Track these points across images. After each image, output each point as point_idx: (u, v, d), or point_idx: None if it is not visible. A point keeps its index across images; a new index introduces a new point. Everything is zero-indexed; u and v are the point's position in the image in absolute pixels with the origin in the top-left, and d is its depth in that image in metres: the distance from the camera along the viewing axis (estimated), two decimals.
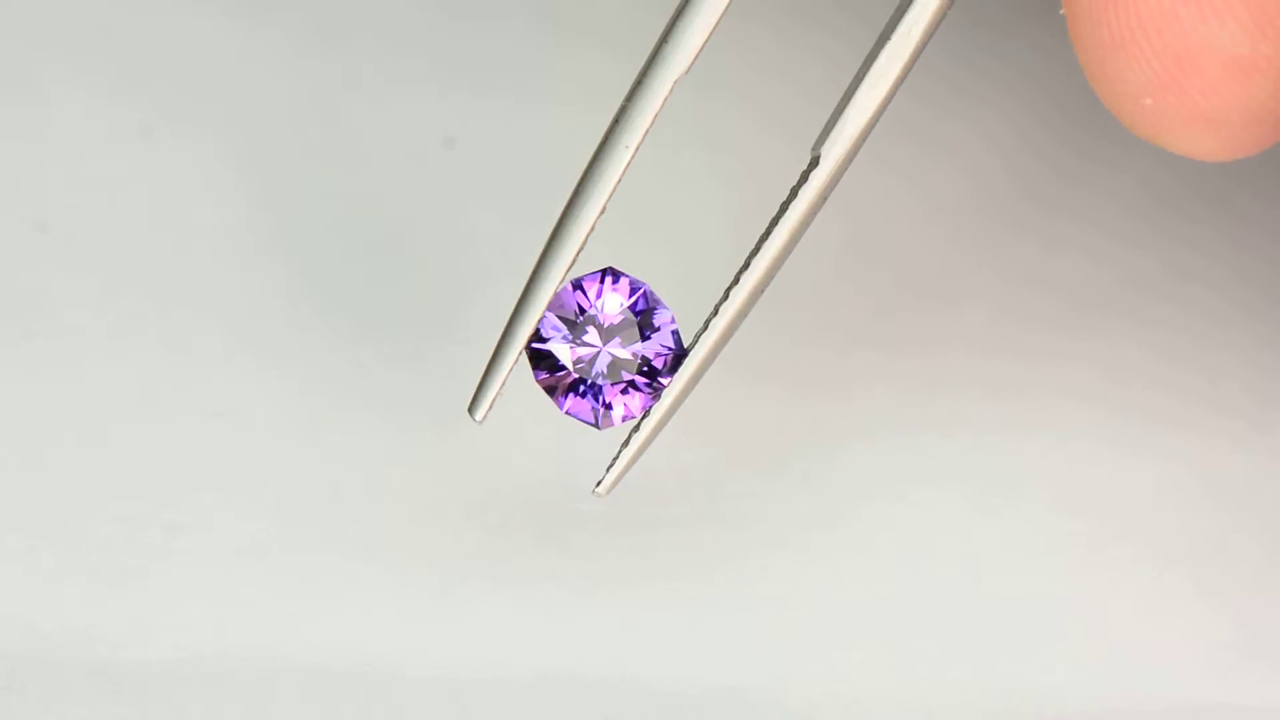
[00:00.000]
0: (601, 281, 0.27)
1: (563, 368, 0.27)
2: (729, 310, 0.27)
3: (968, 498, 0.32)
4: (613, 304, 0.27)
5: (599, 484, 0.27)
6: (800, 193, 0.26)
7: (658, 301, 0.27)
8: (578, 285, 0.27)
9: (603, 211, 0.26)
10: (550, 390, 0.27)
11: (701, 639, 0.31)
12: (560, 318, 0.27)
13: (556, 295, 0.27)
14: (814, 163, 0.26)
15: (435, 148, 0.34)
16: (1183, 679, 0.31)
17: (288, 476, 0.32)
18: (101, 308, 0.33)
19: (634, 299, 0.27)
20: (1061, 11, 0.26)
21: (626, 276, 0.27)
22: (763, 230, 0.27)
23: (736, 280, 0.27)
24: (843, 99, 0.26)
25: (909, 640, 0.31)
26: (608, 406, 0.27)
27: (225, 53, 0.34)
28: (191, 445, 0.32)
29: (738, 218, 0.29)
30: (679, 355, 0.27)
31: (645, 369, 0.27)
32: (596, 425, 0.27)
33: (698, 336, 0.27)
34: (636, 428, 0.27)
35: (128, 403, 0.32)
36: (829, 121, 0.26)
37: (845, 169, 0.26)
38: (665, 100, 0.26)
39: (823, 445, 0.32)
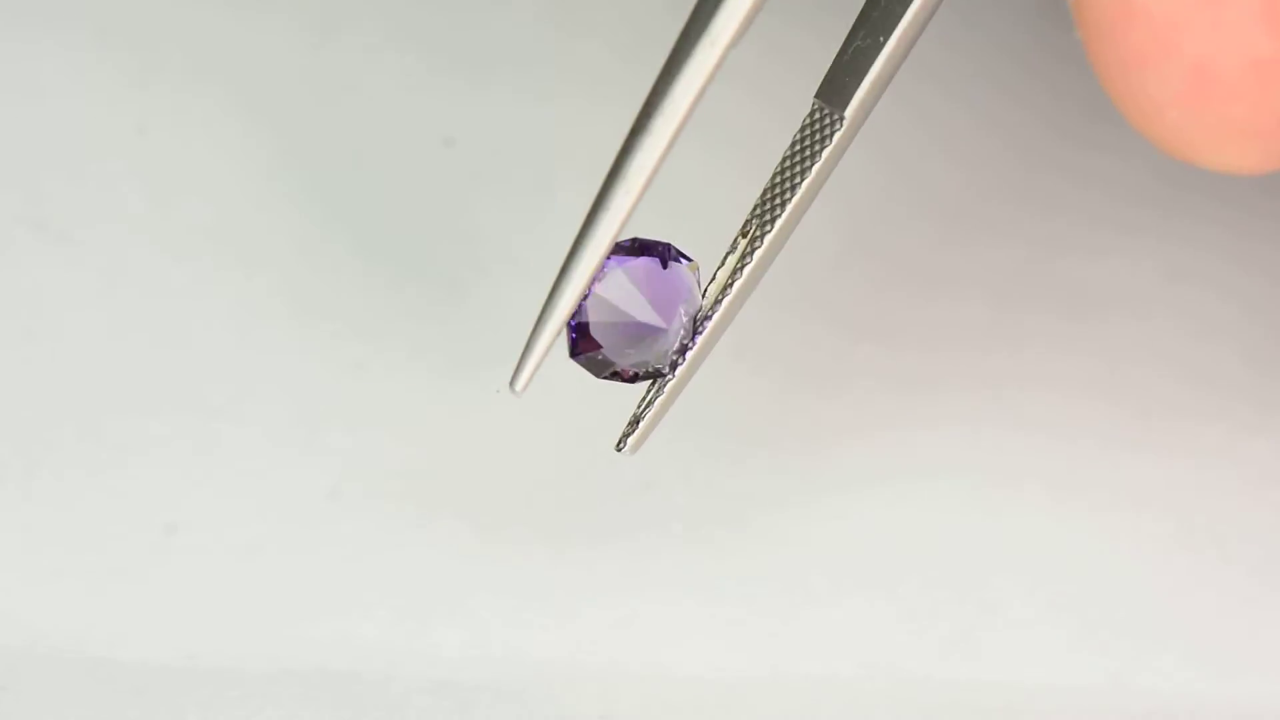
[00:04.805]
0: (630, 252, 0.27)
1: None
2: (755, 265, 0.27)
3: (966, 493, 0.32)
4: (642, 279, 0.27)
5: (622, 443, 0.27)
6: (820, 147, 0.26)
7: (683, 256, 0.27)
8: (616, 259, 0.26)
9: (649, 183, 0.25)
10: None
11: (700, 636, 0.31)
12: (607, 302, 0.26)
13: (601, 276, 0.26)
14: (824, 114, 0.26)
15: (435, 143, 0.34)
16: (1177, 677, 0.30)
17: (288, 476, 0.32)
18: (101, 308, 0.33)
19: (661, 259, 0.27)
20: (1076, 35, 0.26)
21: (646, 241, 0.27)
22: (770, 184, 0.26)
23: (760, 238, 0.27)
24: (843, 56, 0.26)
25: (909, 638, 0.31)
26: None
27: (223, 50, 0.35)
28: (191, 445, 0.32)
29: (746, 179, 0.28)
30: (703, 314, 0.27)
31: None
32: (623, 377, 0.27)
33: (728, 279, 0.27)
34: (660, 389, 0.27)
35: (127, 402, 0.32)
36: (830, 71, 0.26)
37: (867, 114, 0.26)
38: (719, 64, 0.25)
39: (823, 442, 0.32)
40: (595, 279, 0.26)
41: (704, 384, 0.28)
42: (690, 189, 0.33)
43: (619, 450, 0.27)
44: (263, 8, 0.35)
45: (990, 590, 0.31)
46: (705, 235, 0.27)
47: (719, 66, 0.24)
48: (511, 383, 0.26)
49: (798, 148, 0.27)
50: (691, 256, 0.27)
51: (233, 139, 0.34)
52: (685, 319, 0.27)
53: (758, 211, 0.27)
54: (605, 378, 0.27)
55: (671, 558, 0.31)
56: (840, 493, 0.32)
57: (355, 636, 0.31)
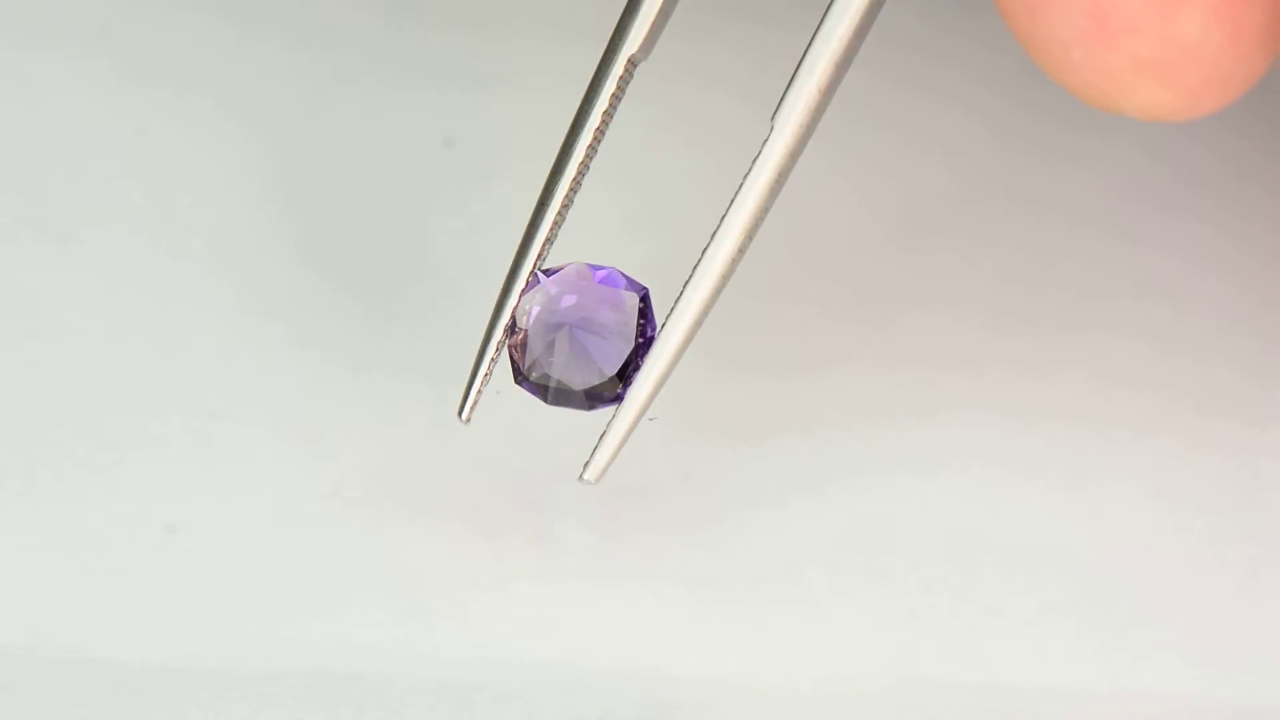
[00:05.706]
0: (571, 275, 0.27)
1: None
2: (705, 277, 0.27)
3: (965, 493, 0.32)
4: (580, 290, 0.27)
5: (584, 472, 0.27)
6: (757, 164, 0.26)
7: (628, 281, 0.27)
8: (545, 276, 0.27)
9: (566, 205, 0.26)
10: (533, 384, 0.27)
11: (699, 635, 0.31)
12: (535, 313, 0.27)
13: (529, 291, 0.27)
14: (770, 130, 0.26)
15: (435, 143, 0.34)
16: (1177, 677, 0.30)
17: (288, 476, 0.32)
18: (101, 308, 0.33)
19: (603, 281, 0.27)
20: None
21: (592, 266, 0.27)
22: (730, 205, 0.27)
23: (704, 257, 0.27)
24: (795, 69, 0.26)
25: (909, 636, 0.31)
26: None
27: (223, 51, 0.35)
28: (191, 445, 0.32)
29: (709, 194, 0.29)
30: (652, 337, 0.27)
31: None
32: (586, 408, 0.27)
33: (673, 308, 0.27)
34: (616, 414, 0.27)
35: (127, 403, 0.32)
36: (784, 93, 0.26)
37: (806, 136, 0.26)
38: (620, 81, 0.26)
39: (821, 440, 0.32)
40: (529, 300, 0.27)
41: (701, 382, 0.28)
42: (694, 197, 0.33)
43: (581, 479, 0.27)
44: (262, 8, 0.35)
45: (990, 590, 0.31)
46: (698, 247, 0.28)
47: (626, 76, 0.27)
48: (459, 412, 0.27)
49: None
50: (641, 282, 0.27)
51: (233, 139, 0.34)
52: (629, 333, 0.27)
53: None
54: (559, 404, 0.27)
55: (670, 557, 0.31)
56: (839, 491, 0.32)
57: (355, 636, 0.31)
